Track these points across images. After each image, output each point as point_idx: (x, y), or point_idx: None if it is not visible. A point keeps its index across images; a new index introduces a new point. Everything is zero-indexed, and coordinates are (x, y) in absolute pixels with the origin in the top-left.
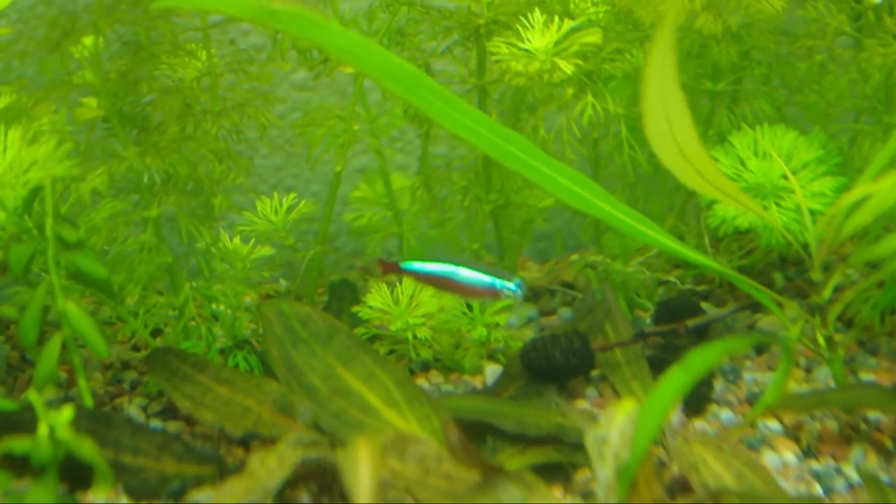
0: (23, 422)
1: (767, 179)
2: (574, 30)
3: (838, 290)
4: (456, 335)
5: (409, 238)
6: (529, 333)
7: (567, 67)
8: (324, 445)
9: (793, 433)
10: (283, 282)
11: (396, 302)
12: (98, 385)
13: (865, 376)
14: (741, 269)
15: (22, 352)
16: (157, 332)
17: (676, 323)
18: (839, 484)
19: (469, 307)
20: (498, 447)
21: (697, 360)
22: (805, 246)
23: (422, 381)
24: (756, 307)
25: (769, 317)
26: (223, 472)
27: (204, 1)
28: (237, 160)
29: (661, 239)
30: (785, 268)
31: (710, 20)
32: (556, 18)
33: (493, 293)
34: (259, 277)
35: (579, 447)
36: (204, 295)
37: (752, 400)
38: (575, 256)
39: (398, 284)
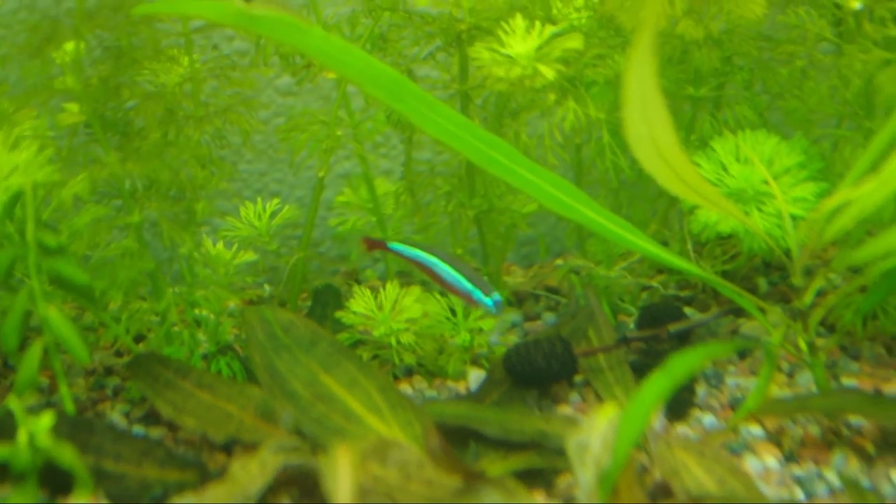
0: (4, 428)
1: (749, 185)
2: (556, 35)
3: (821, 294)
4: (439, 340)
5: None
6: (513, 338)
7: (549, 73)
8: (305, 451)
9: (775, 438)
10: (266, 287)
11: (380, 307)
12: (80, 391)
13: (847, 381)
14: (725, 274)
15: (3, 358)
16: (139, 338)
17: (659, 328)
18: (821, 488)
19: (453, 312)
20: (481, 453)
21: (679, 365)
22: (787, 251)
23: (405, 387)
24: (739, 312)
25: (752, 322)
26: (205, 477)
27: (185, 6)
28: (220, 165)
29: (644, 244)
30: (769, 272)
31: (692, 25)
32: (538, 24)
33: (469, 301)
34: (242, 283)
35: (562, 452)
36: (187, 300)
37: (734, 405)
38: (559, 261)
39: (382, 290)
